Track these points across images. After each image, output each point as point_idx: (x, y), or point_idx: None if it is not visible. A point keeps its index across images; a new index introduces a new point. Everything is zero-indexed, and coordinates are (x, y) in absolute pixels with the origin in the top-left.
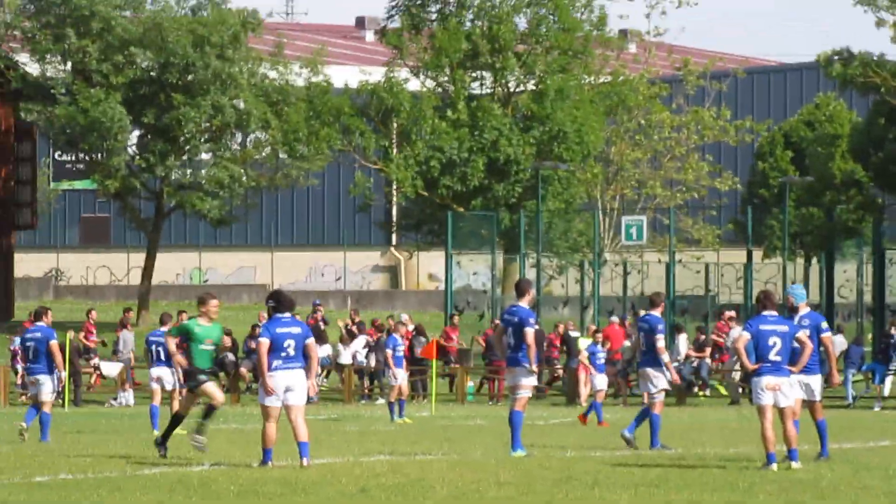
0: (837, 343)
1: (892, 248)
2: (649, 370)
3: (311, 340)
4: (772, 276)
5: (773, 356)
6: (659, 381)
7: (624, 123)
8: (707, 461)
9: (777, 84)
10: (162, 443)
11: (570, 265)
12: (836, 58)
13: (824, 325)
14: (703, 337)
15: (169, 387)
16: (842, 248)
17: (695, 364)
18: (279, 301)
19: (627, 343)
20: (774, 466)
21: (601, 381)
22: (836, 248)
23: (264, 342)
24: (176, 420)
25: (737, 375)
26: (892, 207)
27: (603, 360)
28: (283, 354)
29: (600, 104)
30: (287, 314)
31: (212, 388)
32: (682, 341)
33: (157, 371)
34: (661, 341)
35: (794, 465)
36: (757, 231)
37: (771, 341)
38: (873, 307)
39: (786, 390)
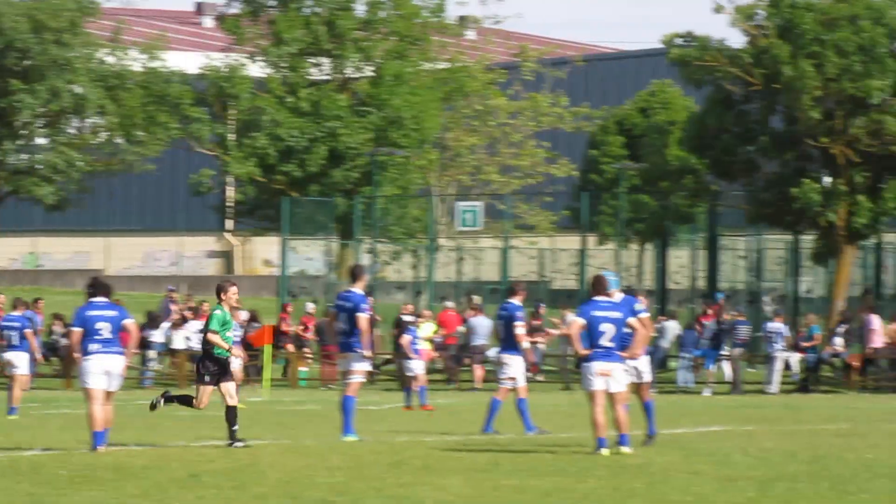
0: (670, 328)
1: (725, 235)
2: (505, 356)
3: (128, 322)
4: (606, 262)
5: (604, 342)
6: (512, 368)
7: (461, 109)
8: (538, 446)
9: (614, 72)
10: (161, 401)
11: (406, 250)
12: (678, 40)
13: (637, 306)
14: (535, 322)
15: (21, 372)
16: (675, 234)
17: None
18: (94, 286)
19: (462, 328)
20: (605, 451)
21: (417, 365)
22: (669, 235)
23: (75, 330)
24: (187, 400)
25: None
26: (725, 194)
27: (420, 346)
28: (98, 338)
29: (438, 90)
30: (102, 298)
31: (228, 388)
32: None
33: (9, 355)
34: (520, 328)
35: (625, 450)
36: (591, 217)
37: (603, 327)
38: (706, 292)
39: (617, 376)
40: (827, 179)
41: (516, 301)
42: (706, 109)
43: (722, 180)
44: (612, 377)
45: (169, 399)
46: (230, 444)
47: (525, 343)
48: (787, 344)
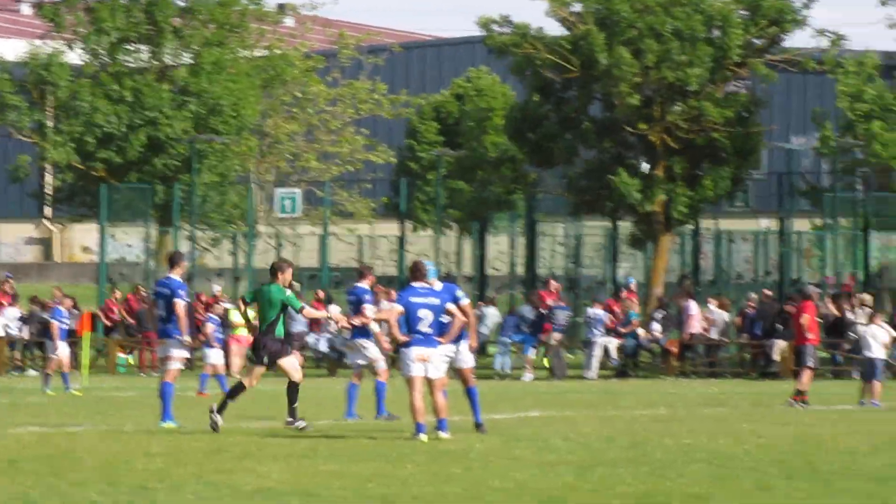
0: (490, 315)
1: (544, 221)
2: (360, 341)
3: None
4: (425, 248)
5: (423, 328)
6: (369, 350)
7: (280, 97)
8: (357, 431)
9: (432, 59)
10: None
11: (225, 237)
12: (495, 25)
13: (459, 293)
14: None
15: None
16: (494, 221)
17: (346, 336)
18: None
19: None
20: (423, 437)
21: (215, 354)
22: (488, 222)
23: None
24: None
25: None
26: (544, 181)
27: (239, 333)
28: None
29: (256, 78)
30: None
31: (289, 364)
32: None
33: None
34: (369, 311)
35: (443, 435)
36: (410, 204)
37: (421, 313)
38: (525, 279)
39: (435, 361)
40: (645, 166)
41: (364, 284)
42: (526, 97)
43: (541, 167)
44: (430, 363)
45: (223, 407)
46: (290, 424)
47: (374, 326)
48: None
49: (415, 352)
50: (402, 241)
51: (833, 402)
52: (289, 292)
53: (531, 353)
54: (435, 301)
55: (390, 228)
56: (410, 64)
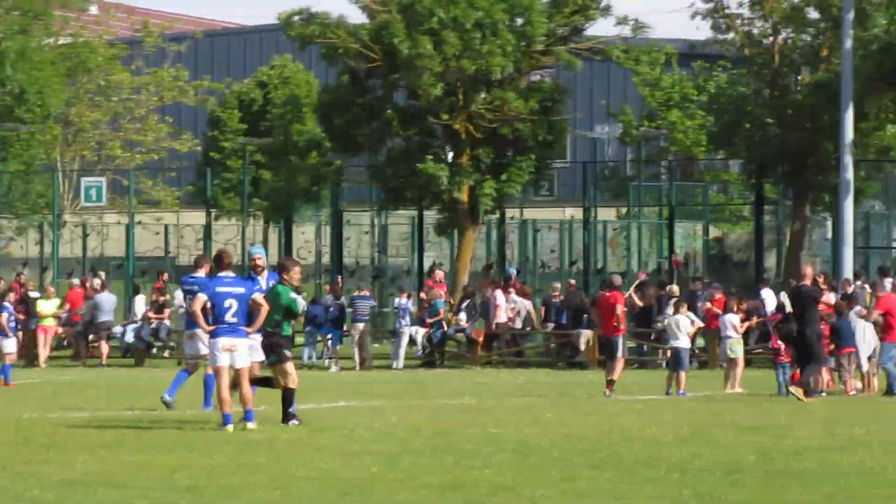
0: (298, 304)
1: (350, 210)
2: (200, 331)
3: None
4: (231, 237)
5: (229, 317)
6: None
7: (84, 85)
8: (164, 422)
9: (236, 47)
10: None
11: (30, 226)
12: (296, 18)
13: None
14: (161, 298)
15: None
16: (300, 210)
17: (153, 325)
18: None
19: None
20: (230, 427)
21: (9, 344)
22: (294, 211)
23: None
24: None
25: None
26: (349, 169)
27: (45, 323)
28: None
29: (61, 66)
30: None
31: (290, 368)
32: (140, 302)
33: None
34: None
35: (250, 425)
36: (214, 193)
37: (227, 303)
38: (331, 268)
39: (242, 351)
40: (451, 156)
41: (200, 274)
42: (330, 86)
43: (347, 156)
44: (236, 352)
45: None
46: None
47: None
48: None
49: (221, 342)
50: (207, 229)
51: (639, 391)
52: (294, 294)
53: (336, 345)
54: (240, 290)
55: (196, 217)
56: (214, 52)
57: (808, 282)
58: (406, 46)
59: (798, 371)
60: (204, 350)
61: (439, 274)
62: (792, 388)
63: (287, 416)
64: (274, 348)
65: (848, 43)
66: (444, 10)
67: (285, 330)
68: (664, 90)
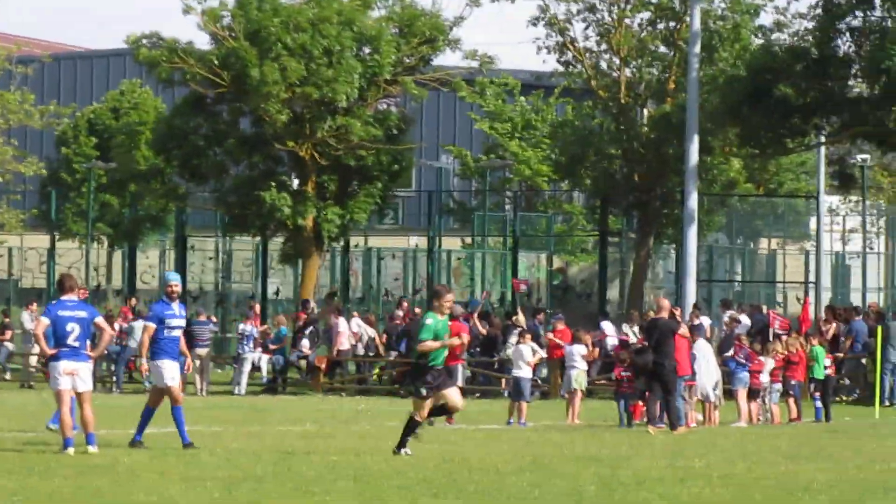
0: (138, 328)
1: (194, 236)
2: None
3: None
4: (75, 260)
5: (71, 341)
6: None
7: None
8: (3, 445)
9: (84, 70)
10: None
11: None
12: (144, 41)
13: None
14: (6, 320)
15: None
16: (145, 235)
17: None
18: None
19: None
20: (71, 450)
21: None
22: (139, 235)
23: None
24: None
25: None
26: (193, 195)
27: None
28: None
29: None
30: None
31: (427, 402)
32: None
33: None
34: None
35: (92, 449)
36: (60, 216)
37: (69, 327)
38: (182, 293)
39: (84, 375)
40: (296, 183)
41: (73, 296)
42: (175, 111)
43: (191, 182)
44: (78, 376)
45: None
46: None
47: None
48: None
49: (63, 365)
50: (51, 252)
51: (481, 421)
52: (430, 320)
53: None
54: (83, 314)
55: (40, 240)
56: (62, 75)
57: (664, 314)
58: (255, 72)
59: (640, 403)
60: (165, 380)
61: (257, 308)
62: (650, 428)
63: (401, 444)
64: (415, 380)
65: (694, 75)
66: (290, 37)
67: (436, 359)
68: (507, 121)
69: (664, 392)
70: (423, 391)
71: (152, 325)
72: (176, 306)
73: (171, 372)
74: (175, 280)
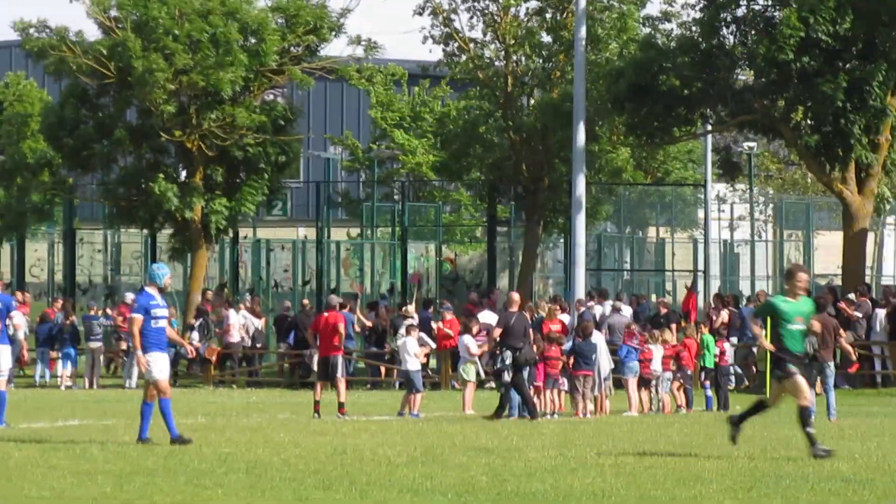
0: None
1: (83, 228)
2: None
3: None
4: None
5: None
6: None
7: None
8: None
9: None
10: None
11: None
12: (33, 29)
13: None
14: None
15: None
16: (32, 227)
17: None
18: None
19: None
20: None
21: None
22: (27, 228)
23: None
24: (759, 407)
25: None
26: (82, 187)
27: None
28: None
29: None
30: None
31: (800, 384)
32: None
33: None
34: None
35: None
36: None
37: None
38: (64, 286)
39: None
40: (184, 174)
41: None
42: (62, 101)
43: (79, 174)
44: None
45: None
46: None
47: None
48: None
49: None
50: None
51: (373, 412)
52: (772, 299)
53: (68, 367)
54: None
55: None
56: None
57: (515, 308)
58: (140, 63)
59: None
60: (154, 373)
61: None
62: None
63: (812, 441)
64: (778, 362)
65: (580, 60)
66: (178, 27)
67: (792, 344)
68: (395, 111)
69: (516, 383)
70: (790, 367)
71: (140, 317)
72: (159, 296)
73: (160, 364)
74: (167, 273)
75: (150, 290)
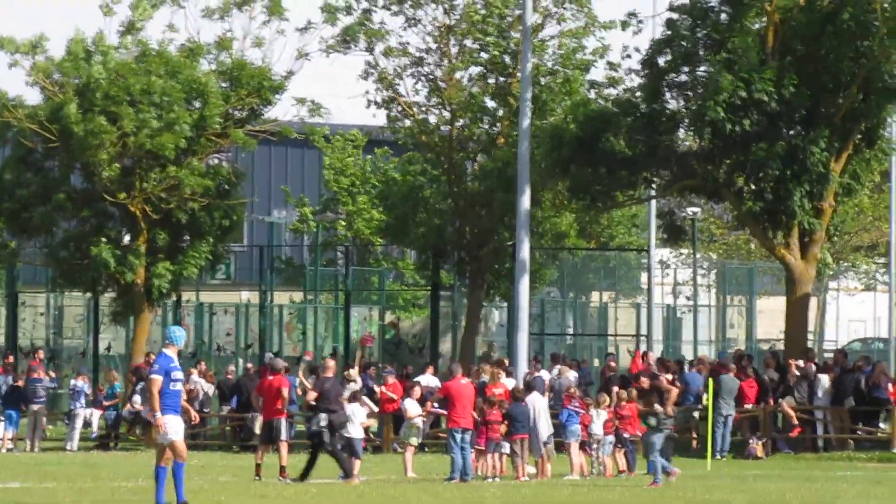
0: None
1: (25, 291)
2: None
3: None
4: None
5: None
6: None
7: None
8: None
9: None
10: None
11: None
12: None
13: None
14: None
15: None
16: None
17: None
18: None
19: None
20: None
21: None
22: None
23: None
24: None
25: None
26: (24, 251)
27: None
28: None
29: None
30: None
31: None
32: None
33: None
34: None
35: None
36: None
37: None
38: (13, 349)
39: None
40: (127, 238)
41: None
42: (4, 165)
43: (21, 237)
44: None
45: None
46: None
47: None
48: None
49: None
50: None
51: (314, 475)
52: None
53: (9, 430)
54: None
55: None
56: None
57: (330, 374)
58: (81, 127)
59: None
60: (170, 435)
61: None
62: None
63: None
64: None
65: (525, 125)
66: (119, 89)
67: None
68: (349, 177)
69: (332, 445)
70: None
71: (160, 378)
72: (177, 359)
73: (175, 426)
74: (184, 335)
75: (170, 352)
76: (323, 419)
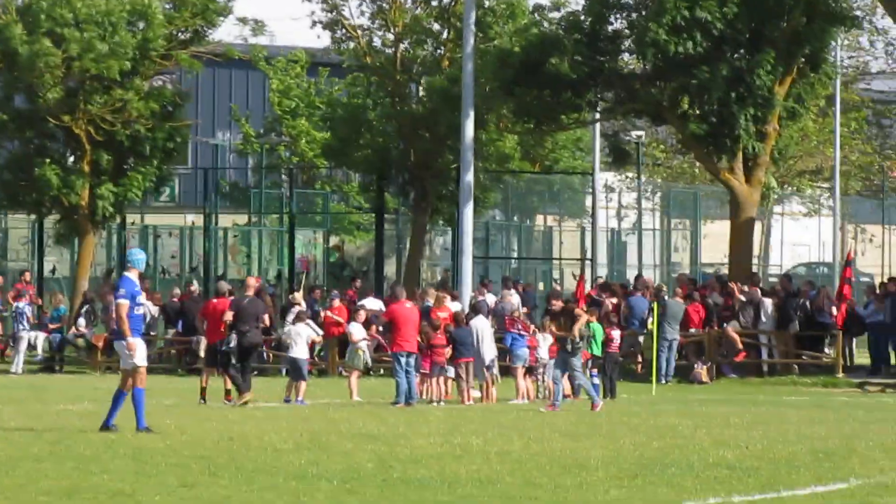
0: None
1: None
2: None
3: None
4: None
5: None
6: None
7: None
8: None
9: None
10: None
11: None
12: None
13: None
14: None
15: None
16: None
17: None
18: None
19: None
20: None
21: None
22: None
23: None
24: None
25: None
26: None
27: None
28: None
29: None
30: None
31: None
32: None
33: None
34: None
35: None
36: None
37: None
38: None
39: None
40: (71, 160)
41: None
42: None
43: None
44: None
45: None
46: None
47: None
48: (31, 324)
49: None
50: None
51: (259, 398)
52: None
53: None
54: None
55: None
56: None
57: (251, 292)
58: (25, 49)
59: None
60: (136, 360)
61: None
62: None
63: None
64: None
65: (469, 47)
66: (64, 9)
67: None
68: (293, 98)
69: (238, 364)
70: None
71: (127, 302)
72: (139, 283)
73: (143, 351)
74: (145, 258)
75: (132, 275)
76: (233, 339)
